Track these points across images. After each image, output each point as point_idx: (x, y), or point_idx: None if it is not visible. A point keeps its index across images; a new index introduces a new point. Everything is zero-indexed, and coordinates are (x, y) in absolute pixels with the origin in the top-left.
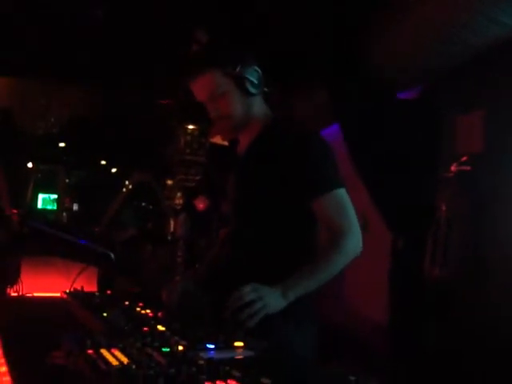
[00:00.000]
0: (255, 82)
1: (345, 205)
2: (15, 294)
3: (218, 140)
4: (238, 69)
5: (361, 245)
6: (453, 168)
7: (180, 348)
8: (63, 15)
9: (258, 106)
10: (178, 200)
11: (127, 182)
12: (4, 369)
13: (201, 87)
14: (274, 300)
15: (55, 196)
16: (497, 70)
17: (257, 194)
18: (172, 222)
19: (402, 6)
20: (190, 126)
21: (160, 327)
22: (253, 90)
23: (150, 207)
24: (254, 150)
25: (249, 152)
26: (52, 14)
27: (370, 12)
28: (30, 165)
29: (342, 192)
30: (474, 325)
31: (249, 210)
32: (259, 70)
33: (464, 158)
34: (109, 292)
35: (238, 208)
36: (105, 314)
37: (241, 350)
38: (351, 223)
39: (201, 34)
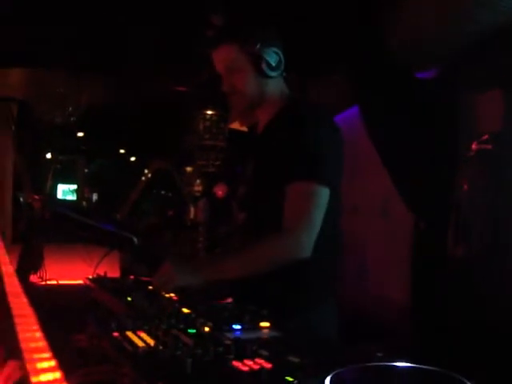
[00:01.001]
0: (273, 64)
1: (310, 201)
2: (40, 281)
3: (236, 126)
4: (257, 47)
5: (304, 249)
6: (473, 146)
7: (206, 329)
8: (80, 4)
9: (275, 88)
10: (198, 187)
11: (146, 171)
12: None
13: (219, 58)
14: (185, 276)
15: (75, 186)
16: None
17: (270, 175)
18: (192, 209)
19: None
20: (209, 112)
21: (185, 310)
22: (269, 72)
23: (170, 195)
24: (269, 131)
25: (264, 133)
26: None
27: None
28: (48, 155)
29: (317, 189)
30: (497, 302)
31: (262, 192)
32: (280, 53)
33: (485, 137)
34: (132, 277)
35: (255, 189)
36: (129, 299)
37: (267, 330)
38: (303, 222)
39: (216, 18)
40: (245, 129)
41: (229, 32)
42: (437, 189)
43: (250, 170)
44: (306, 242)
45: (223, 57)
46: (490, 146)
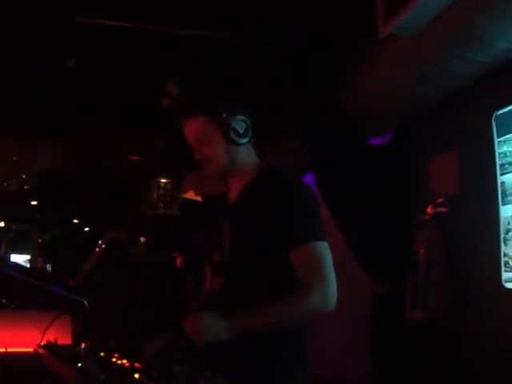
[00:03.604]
0: (240, 131)
1: (320, 259)
2: None
3: (190, 195)
4: (223, 116)
5: (330, 302)
6: (429, 210)
7: None
8: (35, 70)
9: (246, 155)
10: None
11: (100, 242)
12: None
13: (188, 130)
14: (215, 332)
15: (28, 256)
16: (469, 108)
17: (249, 242)
18: None
19: (370, 51)
20: (163, 180)
21: (136, 375)
22: (237, 140)
23: None
24: (243, 199)
25: (240, 201)
26: (23, 67)
27: (340, 58)
28: (1, 224)
29: (320, 245)
30: (457, 365)
31: (242, 257)
32: (247, 120)
33: (440, 200)
34: (83, 344)
35: (233, 256)
36: (79, 365)
37: None
38: (323, 279)
39: (172, 86)
40: (199, 198)
41: (195, 104)
42: (393, 253)
43: (223, 238)
44: (333, 295)
45: (192, 129)
46: (445, 209)
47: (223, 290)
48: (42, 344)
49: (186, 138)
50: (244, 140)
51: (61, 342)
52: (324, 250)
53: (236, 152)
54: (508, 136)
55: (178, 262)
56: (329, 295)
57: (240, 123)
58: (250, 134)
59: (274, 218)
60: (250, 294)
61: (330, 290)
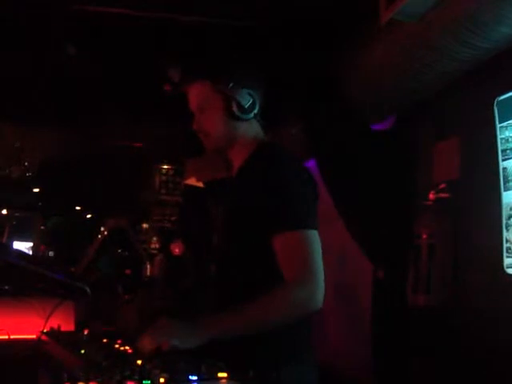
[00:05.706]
0: (244, 106)
1: (306, 249)
2: None
3: (192, 182)
4: (229, 86)
5: (317, 301)
6: (431, 196)
7: (161, 380)
8: (36, 57)
9: (248, 131)
10: (154, 244)
11: (102, 229)
12: None
13: (192, 95)
14: (184, 339)
15: (30, 244)
16: (471, 93)
17: (242, 223)
18: (148, 266)
19: (372, 36)
20: (165, 166)
21: (139, 361)
22: (239, 114)
23: (126, 253)
24: (241, 177)
25: (237, 178)
26: (24, 55)
27: (341, 43)
28: (4, 211)
29: (307, 234)
30: (458, 351)
31: (234, 239)
32: (255, 96)
33: (442, 185)
34: (86, 331)
35: (225, 237)
36: (82, 351)
37: (225, 380)
38: (308, 272)
39: (173, 72)
40: (200, 184)
41: (203, 69)
42: (395, 238)
43: (220, 217)
44: (319, 293)
45: (195, 94)
46: (447, 195)
47: (215, 277)
48: (45, 331)
49: (189, 104)
50: (247, 116)
51: (64, 328)
52: (314, 240)
53: (236, 127)
54: (510, 121)
55: (179, 249)
56: (315, 293)
57: (246, 97)
58: (255, 110)
59: (262, 199)
60: (238, 282)
61: (317, 288)
